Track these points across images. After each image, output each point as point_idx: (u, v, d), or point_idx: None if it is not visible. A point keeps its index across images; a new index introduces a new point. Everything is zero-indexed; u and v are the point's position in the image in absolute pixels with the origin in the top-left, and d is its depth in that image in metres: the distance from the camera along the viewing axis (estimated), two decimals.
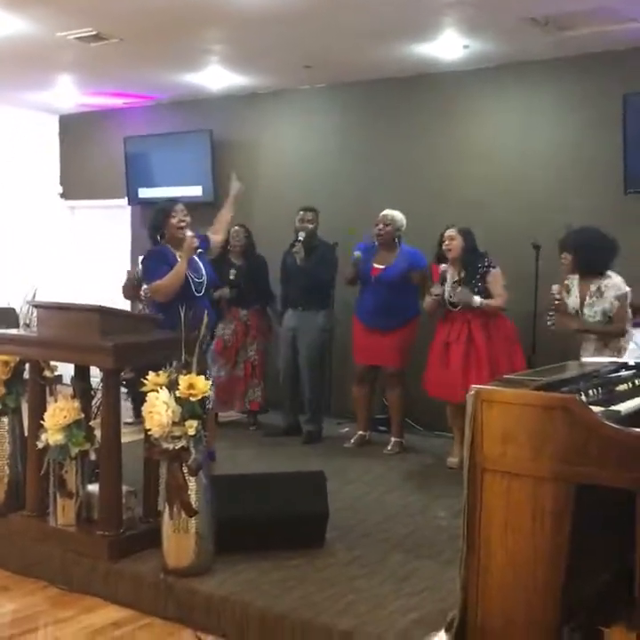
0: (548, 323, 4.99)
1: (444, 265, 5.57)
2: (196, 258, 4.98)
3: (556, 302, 4.93)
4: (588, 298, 4.88)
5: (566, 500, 2.74)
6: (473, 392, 2.92)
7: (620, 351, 4.80)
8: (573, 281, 5.00)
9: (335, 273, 6.43)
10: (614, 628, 2.91)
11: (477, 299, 5.37)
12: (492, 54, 6.15)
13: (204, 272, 4.98)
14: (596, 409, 2.82)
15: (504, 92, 6.58)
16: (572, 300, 4.98)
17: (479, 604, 2.93)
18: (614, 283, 4.83)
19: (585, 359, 4.33)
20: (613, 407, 2.94)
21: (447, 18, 5.32)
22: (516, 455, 2.84)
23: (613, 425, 2.70)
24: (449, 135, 6.80)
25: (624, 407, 2.97)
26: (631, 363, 3.55)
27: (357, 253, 6.04)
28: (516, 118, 6.54)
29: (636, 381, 3.35)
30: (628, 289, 4.85)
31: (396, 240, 6.00)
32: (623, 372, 3.40)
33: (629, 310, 4.88)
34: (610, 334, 4.83)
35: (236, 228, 6.79)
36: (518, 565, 2.86)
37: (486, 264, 5.47)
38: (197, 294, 4.88)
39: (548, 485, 2.78)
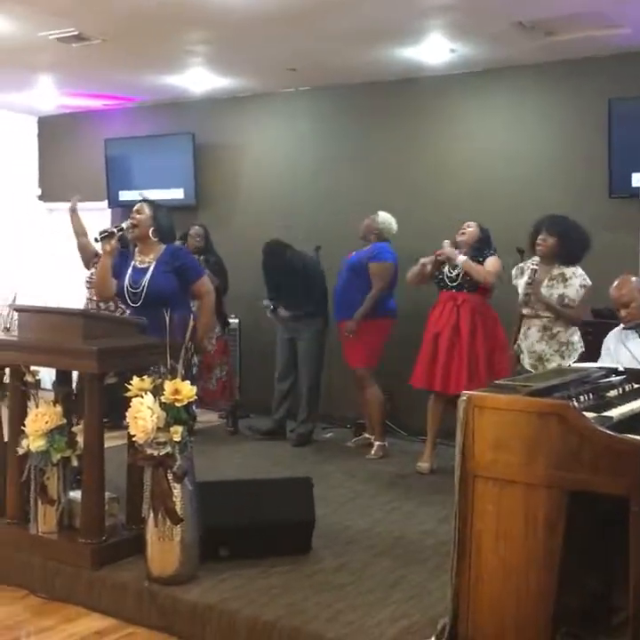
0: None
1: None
2: (143, 267, 4.56)
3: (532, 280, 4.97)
4: (546, 281, 4.98)
5: (559, 507, 2.72)
6: (465, 398, 2.90)
7: (567, 345, 4.91)
8: (528, 263, 5.04)
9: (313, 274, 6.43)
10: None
11: (461, 256, 5.43)
12: (478, 58, 6.14)
13: (145, 283, 4.50)
14: (588, 415, 2.80)
15: (490, 96, 6.58)
16: (526, 282, 4.99)
17: (470, 612, 2.90)
18: (582, 272, 4.98)
19: (574, 364, 4.31)
20: (606, 413, 2.91)
21: (434, 21, 5.29)
22: (508, 462, 2.81)
23: (607, 431, 2.68)
24: (434, 138, 6.79)
25: (616, 413, 2.94)
26: (620, 368, 3.54)
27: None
28: (501, 122, 6.55)
29: (626, 387, 3.34)
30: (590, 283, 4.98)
31: (374, 236, 6.10)
32: (613, 378, 3.38)
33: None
34: (566, 317, 4.93)
35: (196, 227, 6.72)
36: (510, 573, 2.83)
37: (490, 252, 5.54)
38: (133, 305, 4.55)
39: (540, 492, 2.76)
